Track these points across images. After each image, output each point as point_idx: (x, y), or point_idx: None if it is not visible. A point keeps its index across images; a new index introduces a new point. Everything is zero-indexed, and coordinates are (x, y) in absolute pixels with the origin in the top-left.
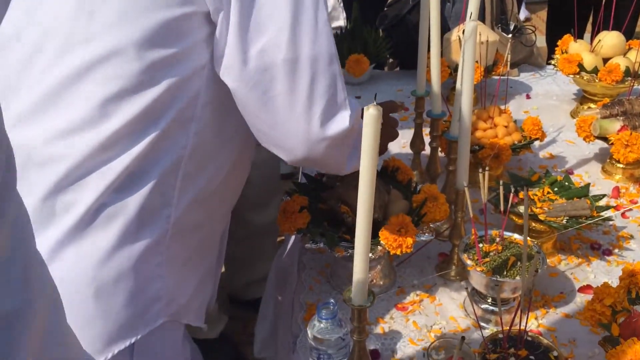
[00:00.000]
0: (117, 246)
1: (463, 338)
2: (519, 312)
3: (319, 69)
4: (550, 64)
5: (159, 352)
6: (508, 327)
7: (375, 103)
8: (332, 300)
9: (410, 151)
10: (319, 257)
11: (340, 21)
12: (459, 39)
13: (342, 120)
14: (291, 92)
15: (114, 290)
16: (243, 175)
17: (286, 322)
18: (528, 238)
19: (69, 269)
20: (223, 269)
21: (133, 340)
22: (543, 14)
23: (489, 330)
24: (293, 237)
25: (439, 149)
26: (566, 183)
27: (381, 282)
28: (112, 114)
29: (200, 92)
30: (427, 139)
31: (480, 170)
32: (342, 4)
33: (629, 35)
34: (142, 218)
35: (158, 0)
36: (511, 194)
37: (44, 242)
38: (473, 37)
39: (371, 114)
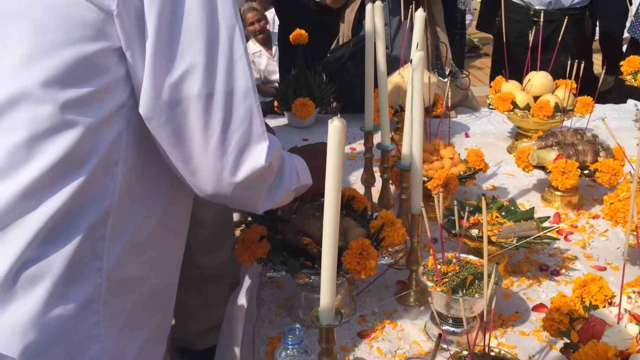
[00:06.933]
0: (44, 309)
1: (440, 335)
2: (482, 328)
3: (234, 103)
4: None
5: None
6: (472, 345)
7: (339, 116)
8: (297, 326)
9: (360, 188)
10: (278, 291)
11: (276, 74)
12: (402, 79)
13: (257, 156)
14: (205, 127)
15: (45, 358)
16: (184, 217)
17: (247, 359)
18: (481, 259)
19: None
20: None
21: None
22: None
23: (452, 351)
24: (247, 279)
25: (390, 181)
26: (512, 207)
27: (342, 311)
28: (25, 163)
29: (123, 131)
30: (376, 175)
31: (434, 193)
32: (277, 58)
33: (559, 74)
34: (71, 274)
35: (68, 37)
36: (465, 220)
37: None
38: (421, 66)
39: (335, 127)
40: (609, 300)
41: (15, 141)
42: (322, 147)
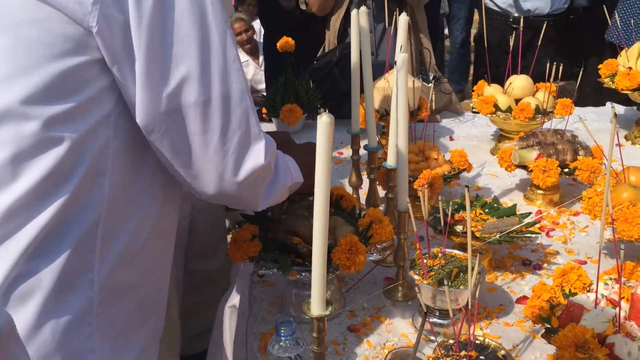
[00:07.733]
0: (36, 324)
1: (426, 313)
2: (467, 317)
3: (231, 106)
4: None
5: None
6: (457, 333)
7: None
8: (290, 319)
9: (348, 191)
10: (269, 289)
11: (263, 84)
12: (388, 83)
13: (257, 155)
14: (204, 132)
15: None
16: (175, 219)
17: (240, 356)
18: (466, 253)
19: None
20: None
21: None
22: None
23: (439, 341)
24: (238, 281)
25: (377, 182)
26: (495, 205)
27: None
28: (11, 181)
29: (109, 141)
30: (363, 177)
31: (420, 190)
32: (264, 68)
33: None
34: (62, 288)
35: (50, 52)
36: (449, 217)
37: None
38: (405, 67)
39: (324, 122)
40: (587, 288)
41: (0, 159)
42: (309, 147)
